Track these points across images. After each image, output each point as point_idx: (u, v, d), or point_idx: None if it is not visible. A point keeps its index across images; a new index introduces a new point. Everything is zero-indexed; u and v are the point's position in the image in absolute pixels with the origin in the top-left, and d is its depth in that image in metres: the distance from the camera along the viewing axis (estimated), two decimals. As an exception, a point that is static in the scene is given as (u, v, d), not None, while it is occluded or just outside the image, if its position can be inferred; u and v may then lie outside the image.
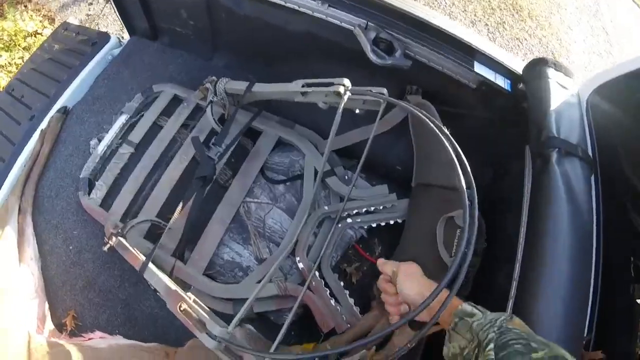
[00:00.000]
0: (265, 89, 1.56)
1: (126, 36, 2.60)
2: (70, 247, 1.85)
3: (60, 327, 1.75)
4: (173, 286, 1.21)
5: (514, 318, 0.77)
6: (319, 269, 1.41)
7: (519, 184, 1.26)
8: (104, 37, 2.45)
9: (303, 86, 1.36)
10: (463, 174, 0.92)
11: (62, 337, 1.68)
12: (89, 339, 1.65)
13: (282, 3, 1.62)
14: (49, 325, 1.73)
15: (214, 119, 1.78)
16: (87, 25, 5.21)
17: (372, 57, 1.45)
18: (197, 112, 1.93)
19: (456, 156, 0.95)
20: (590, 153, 1.24)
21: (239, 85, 1.66)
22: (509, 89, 1.45)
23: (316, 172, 1.61)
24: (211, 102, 1.75)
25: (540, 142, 1.23)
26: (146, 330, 1.63)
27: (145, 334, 1.61)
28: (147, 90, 2.06)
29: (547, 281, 1.00)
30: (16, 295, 1.71)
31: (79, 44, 2.50)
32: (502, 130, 1.55)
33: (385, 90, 1.25)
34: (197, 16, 2.12)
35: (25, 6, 5.94)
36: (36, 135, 2.18)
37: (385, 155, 1.70)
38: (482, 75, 1.46)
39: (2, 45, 4.87)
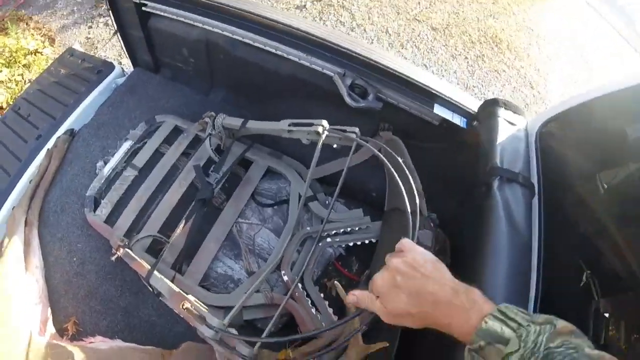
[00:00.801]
0: (257, 126, 1.82)
1: (125, 62, 2.82)
2: (74, 259, 2.02)
3: (61, 331, 1.89)
4: (176, 289, 1.43)
5: (557, 325, 0.61)
6: (302, 281, 1.61)
7: (471, 209, 1.49)
8: (109, 66, 2.67)
9: (289, 125, 1.60)
10: (410, 201, 1.16)
11: (63, 340, 1.83)
12: (90, 342, 1.79)
13: (273, 50, 1.87)
14: (51, 329, 1.88)
15: (211, 149, 2.01)
16: (86, 47, 5.43)
17: (349, 100, 1.70)
18: (196, 142, 2.15)
19: (407, 189, 1.20)
20: (535, 179, 1.45)
21: (235, 122, 1.90)
22: (465, 126, 1.68)
23: (300, 197, 1.83)
24: (210, 134, 1.99)
25: (486, 171, 1.45)
26: (144, 336, 1.79)
27: (143, 339, 1.77)
28: (150, 120, 2.29)
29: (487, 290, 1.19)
30: (21, 300, 1.87)
31: (85, 70, 2.71)
32: (461, 162, 1.77)
33: (357, 130, 1.49)
34: (197, 55, 2.35)
35: (27, 24, 6.14)
36: (42, 154, 2.37)
37: (363, 182, 1.93)
38: (440, 116, 1.70)
39: (3, 61, 5.06)
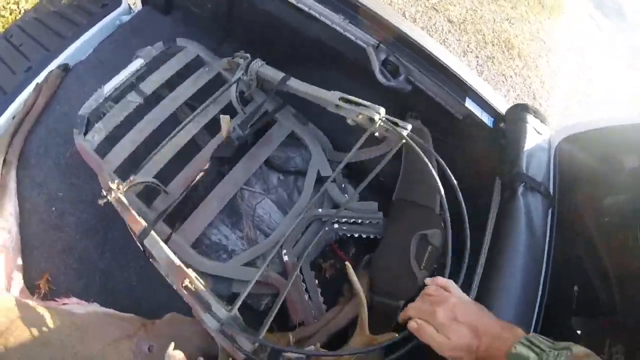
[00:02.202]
0: (300, 87, 1.61)
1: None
2: (53, 209, 1.85)
3: (32, 289, 1.72)
4: (177, 261, 1.22)
5: (573, 350, 0.72)
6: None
7: (484, 209, 1.45)
8: (115, 1, 2.44)
9: (340, 99, 1.45)
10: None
11: (33, 299, 1.66)
12: (63, 303, 1.63)
13: (306, 9, 1.72)
14: (19, 284, 1.70)
15: (237, 96, 1.77)
16: None
17: (380, 76, 1.57)
18: (216, 80, 1.91)
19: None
20: (551, 190, 1.45)
21: (274, 73, 1.70)
22: (492, 126, 1.63)
23: (318, 175, 1.70)
24: (239, 79, 1.74)
25: (511, 176, 1.43)
26: (122, 302, 1.65)
27: (120, 305, 1.62)
28: (170, 41, 2.01)
29: (503, 290, 1.19)
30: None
31: (88, 2, 2.49)
32: (479, 161, 1.70)
33: (409, 127, 1.40)
34: (217, 1, 2.16)
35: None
36: (30, 88, 2.16)
37: (374, 166, 1.80)
38: (470, 110, 1.62)
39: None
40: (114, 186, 1.38)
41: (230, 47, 2.26)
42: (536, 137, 1.54)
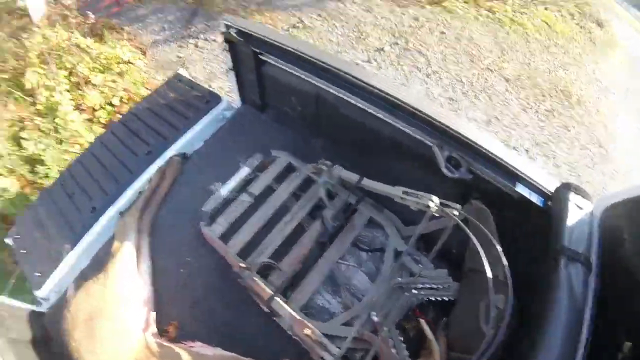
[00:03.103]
0: (372, 185, 2.12)
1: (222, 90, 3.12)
2: (182, 270, 2.33)
3: (162, 332, 2.16)
4: (298, 316, 1.73)
5: None
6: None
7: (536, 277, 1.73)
8: (216, 98, 3.02)
9: (403, 192, 1.91)
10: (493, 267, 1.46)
11: (164, 340, 2.08)
12: (190, 346, 2.04)
13: (380, 116, 2.13)
14: (153, 329, 2.15)
15: (325, 194, 2.33)
16: (178, 66, 5.89)
17: (445, 171, 1.95)
18: (306, 181, 2.46)
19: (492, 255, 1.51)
20: (594, 258, 1.68)
21: (351, 176, 2.23)
22: (542, 205, 1.91)
23: (395, 251, 2.12)
24: (326, 181, 2.31)
25: (555, 249, 1.68)
26: (242, 348, 2.02)
27: (241, 351, 2.00)
28: (266, 153, 2.60)
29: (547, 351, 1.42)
30: (131, 300, 2.17)
31: (194, 98, 3.06)
32: (531, 235, 1.97)
33: (458, 207, 1.78)
34: (305, 105, 2.65)
35: (119, 33, 6.72)
36: (152, 169, 2.71)
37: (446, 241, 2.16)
38: (521, 194, 1.93)
39: (100, 67, 5.54)
40: (244, 266, 1.96)
41: (317, 141, 2.77)
42: (578, 213, 1.80)
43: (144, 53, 6.27)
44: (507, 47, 6.47)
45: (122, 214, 2.60)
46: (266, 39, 2.40)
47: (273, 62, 2.52)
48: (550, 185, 1.91)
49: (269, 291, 1.88)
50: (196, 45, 6.36)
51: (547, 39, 6.80)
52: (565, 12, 7.64)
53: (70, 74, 5.36)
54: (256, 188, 2.46)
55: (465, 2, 7.50)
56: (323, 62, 2.21)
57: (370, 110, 2.16)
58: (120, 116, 5.07)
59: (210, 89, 3.20)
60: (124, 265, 2.26)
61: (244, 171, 2.53)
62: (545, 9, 7.78)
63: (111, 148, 2.93)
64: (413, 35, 6.38)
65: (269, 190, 2.45)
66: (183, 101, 3.06)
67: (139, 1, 7.78)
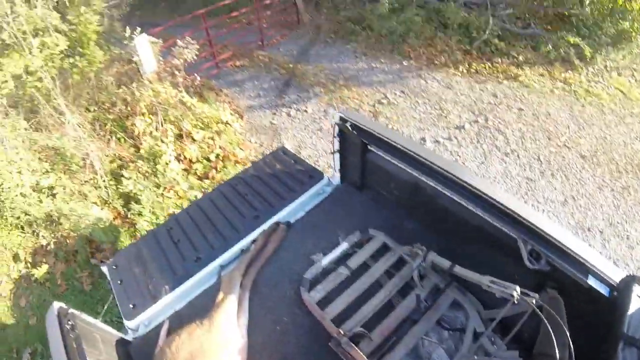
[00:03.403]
0: (462, 272, 2.40)
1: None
2: (277, 328, 2.60)
3: None
4: None
5: None
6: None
7: None
8: (319, 174, 3.43)
9: (490, 282, 2.18)
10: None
11: None
12: None
13: (471, 208, 2.42)
14: None
15: (418, 277, 2.62)
16: (271, 132, 6.52)
17: (528, 263, 2.19)
18: (399, 262, 2.76)
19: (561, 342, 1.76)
20: None
21: (443, 262, 2.52)
22: (608, 295, 2.07)
23: (474, 332, 2.34)
24: (420, 265, 2.60)
25: (616, 335, 1.83)
26: None
27: None
28: (364, 231, 2.94)
29: None
30: (230, 349, 2.45)
31: (298, 172, 3.49)
32: (597, 322, 2.13)
33: (537, 296, 2.03)
34: (402, 191, 3.01)
35: (218, 95, 7.49)
36: (257, 232, 3.08)
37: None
38: (590, 284, 2.11)
39: (202, 125, 6.22)
40: (341, 332, 2.25)
41: (410, 223, 3.06)
42: (639, 302, 1.91)
43: (240, 116, 6.96)
44: (583, 121, 6.63)
45: (222, 267, 2.98)
46: (376, 134, 2.79)
47: (378, 152, 2.91)
48: (617, 276, 2.09)
49: (364, 357, 2.11)
50: (288, 114, 7.01)
51: (622, 109, 6.93)
52: (638, 76, 7.81)
53: (175, 127, 6.08)
54: (353, 262, 2.76)
55: (540, 75, 7.87)
56: (424, 158, 2.56)
57: (462, 202, 2.46)
58: (215, 171, 5.68)
59: (314, 165, 3.62)
60: (227, 316, 2.56)
61: (343, 246, 2.85)
62: (619, 74, 8.00)
63: (219, 206, 3.35)
64: (492, 113, 6.71)
65: (365, 266, 2.75)
66: (288, 173, 3.49)
67: (236, 67, 8.68)
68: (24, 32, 4.87)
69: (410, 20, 8.84)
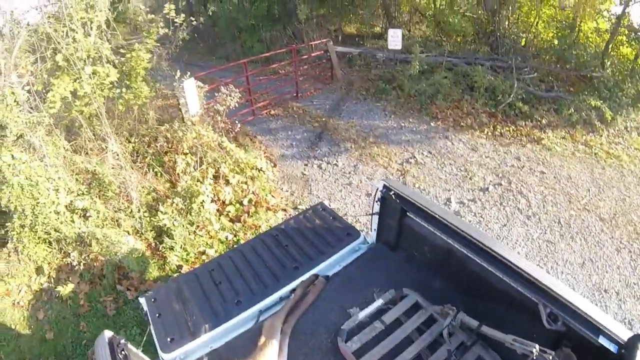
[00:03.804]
0: (489, 332, 2.65)
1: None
2: None
3: None
4: None
5: None
6: None
7: None
8: (356, 232, 3.70)
9: (513, 340, 2.43)
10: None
11: None
12: None
13: (499, 275, 2.67)
14: None
15: (447, 334, 2.82)
16: (302, 183, 6.84)
17: (546, 324, 2.42)
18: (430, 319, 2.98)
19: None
20: None
21: (472, 322, 2.74)
22: (616, 352, 2.26)
23: None
24: (450, 324, 2.81)
25: None
26: None
27: None
28: (398, 289, 3.16)
29: None
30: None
31: (336, 228, 3.75)
32: None
33: (552, 354, 2.28)
34: (434, 254, 3.27)
35: (252, 141, 7.85)
36: (296, 281, 3.29)
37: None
38: (601, 343, 2.30)
39: (238, 170, 6.53)
40: None
41: (438, 282, 3.29)
42: None
43: (274, 164, 7.27)
44: (603, 183, 6.86)
45: (261, 312, 3.18)
46: (417, 203, 3.08)
47: (416, 219, 3.17)
48: (624, 335, 2.28)
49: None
50: (319, 166, 7.35)
51: (641, 170, 7.09)
52: (658, 134, 7.92)
53: (212, 168, 6.44)
54: (388, 318, 2.98)
55: (562, 137, 8.13)
56: (458, 228, 2.82)
57: (490, 268, 2.71)
58: (247, 215, 5.93)
59: (351, 224, 3.87)
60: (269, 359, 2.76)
61: (379, 302, 3.07)
62: (639, 134, 8.26)
63: (261, 254, 3.60)
64: (515, 176, 6.94)
65: (398, 322, 2.96)
66: (327, 229, 3.75)
67: (271, 115, 9.10)
68: (78, 58, 5.20)
69: (439, 82, 9.31)
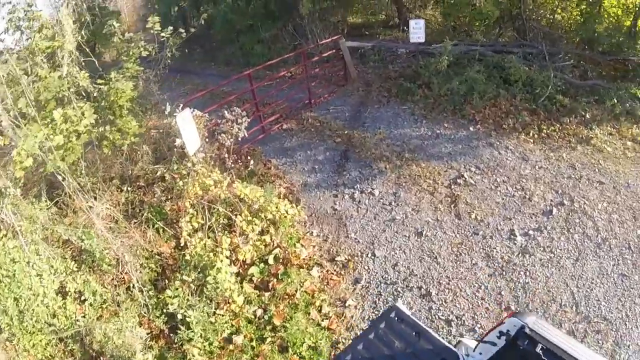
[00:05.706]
0: None
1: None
2: None
3: None
4: None
5: None
6: None
7: None
8: (453, 356, 2.70)
9: None
10: None
11: None
12: None
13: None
14: None
15: None
16: (334, 222, 5.76)
17: None
18: None
19: None
20: None
21: None
22: None
23: None
24: None
25: None
26: None
27: None
28: None
29: None
30: None
31: (425, 354, 2.74)
32: None
33: None
34: None
35: (266, 166, 6.68)
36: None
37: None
38: None
39: (256, 218, 5.23)
40: None
41: None
42: None
43: (297, 201, 6.09)
44: None
45: None
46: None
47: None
48: None
49: None
50: (352, 197, 6.22)
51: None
52: None
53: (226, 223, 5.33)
54: None
55: (609, 134, 7.34)
56: None
57: None
58: (275, 279, 4.78)
59: (442, 339, 2.76)
60: None
61: None
62: None
63: None
64: (575, 190, 6.12)
65: None
66: (412, 355, 2.76)
67: (283, 130, 7.91)
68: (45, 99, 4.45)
69: (472, 78, 8.09)
